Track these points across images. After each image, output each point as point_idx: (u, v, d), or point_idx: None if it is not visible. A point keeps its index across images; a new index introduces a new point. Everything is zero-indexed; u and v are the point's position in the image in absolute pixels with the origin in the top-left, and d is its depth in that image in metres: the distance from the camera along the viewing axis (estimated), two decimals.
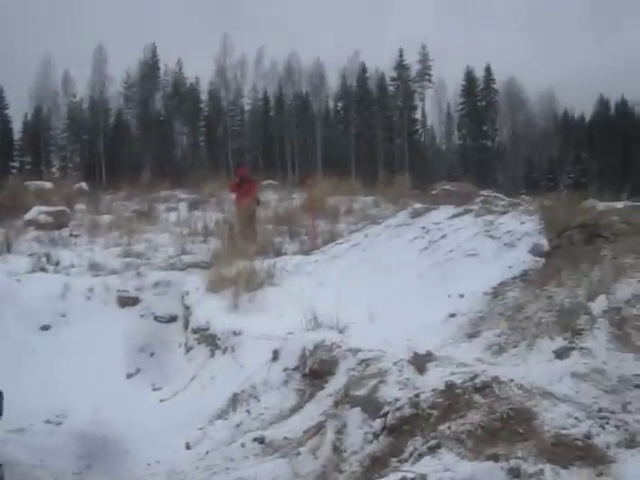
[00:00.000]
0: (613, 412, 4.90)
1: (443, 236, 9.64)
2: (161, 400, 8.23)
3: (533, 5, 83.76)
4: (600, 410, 4.92)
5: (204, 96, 68.70)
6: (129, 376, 9.05)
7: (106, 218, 17.60)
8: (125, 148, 61.92)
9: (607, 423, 4.67)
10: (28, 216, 16.33)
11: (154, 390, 8.64)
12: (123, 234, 15.02)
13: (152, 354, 9.42)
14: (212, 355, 8.51)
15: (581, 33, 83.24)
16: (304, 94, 68.36)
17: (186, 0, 78.00)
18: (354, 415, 5.67)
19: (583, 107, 68.24)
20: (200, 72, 66.72)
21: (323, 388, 6.47)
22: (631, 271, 7.02)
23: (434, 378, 5.61)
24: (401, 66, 68.99)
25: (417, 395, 5.38)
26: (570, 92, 68.60)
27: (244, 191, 14.76)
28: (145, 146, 62.44)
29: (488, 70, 68.37)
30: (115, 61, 65.72)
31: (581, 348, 6.19)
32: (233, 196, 15.77)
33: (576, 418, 4.73)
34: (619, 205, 9.81)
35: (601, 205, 9.78)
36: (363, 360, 6.38)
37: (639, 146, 60.90)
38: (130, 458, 6.41)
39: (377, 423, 5.39)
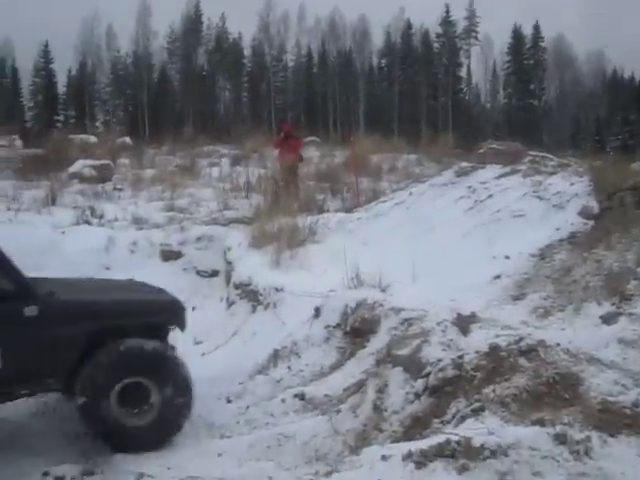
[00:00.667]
0: None
1: (490, 196, 9.47)
2: (202, 354, 8.29)
3: None
4: None
5: (247, 52, 68.39)
6: None
7: (149, 172, 17.70)
8: (168, 103, 62.17)
9: None
10: (72, 169, 16.50)
11: (195, 344, 8.69)
12: (166, 188, 15.08)
13: (194, 308, 9.43)
14: (254, 311, 8.54)
15: None
16: (347, 51, 67.56)
17: None
18: (396, 374, 5.64)
19: (634, 67, 66.30)
20: (243, 27, 66.32)
21: (364, 347, 6.45)
22: None
23: (478, 340, 5.53)
24: (447, 22, 67.61)
25: (460, 357, 5.31)
26: (620, 51, 66.75)
27: (288, 147, 14.68)
28: (188, 101, 62.53)
29: (536, 28, 66.70)
30: (159, 15, 65.39)
31: (630, 314, 6.07)
32: (276, 152, 15.70)
33: (623, 385, 4.63)
34: None
35: None
36: (405, 319, 6.33)
37: None
38: None
39: (419, 383, 5.35)
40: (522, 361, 5.02)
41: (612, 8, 64.27)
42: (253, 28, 66.12)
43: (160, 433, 5.74)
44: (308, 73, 67.84)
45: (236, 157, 21.14)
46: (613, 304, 6.30)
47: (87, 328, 5.65)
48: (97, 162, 17.14)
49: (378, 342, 6.27)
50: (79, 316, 5.66)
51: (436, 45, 68.40)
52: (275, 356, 7.00)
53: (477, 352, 5.29)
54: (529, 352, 5.11)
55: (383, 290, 7.37)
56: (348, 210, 12.13)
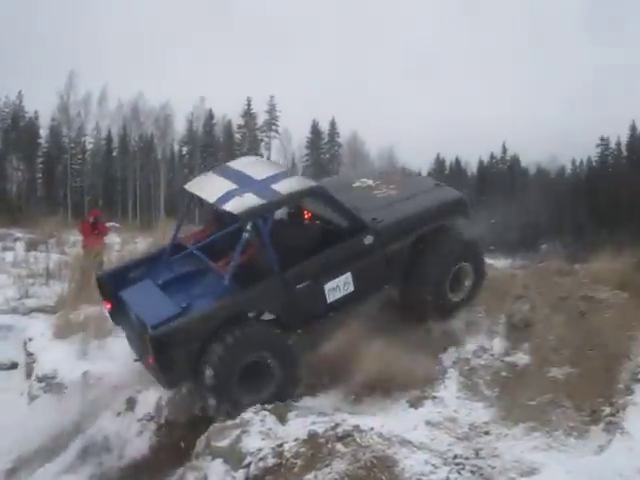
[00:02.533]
0: (467, 458, 5.19)
1: None
2: None
3: (373, 64, 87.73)
4: (455, 457, 5.20)
5: (44, 132, 66.04)
6: None
7: None
8: None
9: (463, 469, 4.95)
10: None
11: None
12: None
13: None
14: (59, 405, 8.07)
15: (419, 94, 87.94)
16: (149, 136, 67.41)
17: (31, 31, 74.77)
18: (216, 466, 5.61)
19: (420, 165, 71.72)
20: (41, 106, 64.07)
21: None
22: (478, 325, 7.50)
23: (296, 428, 5.69)
24: (249, 114, 69.82)
25: (280, 445, 5.43)
26: (408, 150, 71.91)
27: (96, 233, 14.27)
28: None
29: (333, 124, 70.61)
30: None
31: (433, 397, 6.52)
32: (81, 238, 15.18)
33: (433, 465, 4.98)
34: None
35: None
36: None
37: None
38: None
39: (240, 474, 5.38)
40: (339, 446, 5.23)
41: (401, 107, 69.53)
42: (52, 107, 64.13)
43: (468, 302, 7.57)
44: (108, 157, 66.68)
45: (32, 241, 20.10)
46: (418, 389, 6.72)
47: (410, 238, 7.21)
48: None
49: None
50: (403, 231, 7.18)
51: (238, 136, 70.17)
52: (85, 452, 6.71)
53: (296, 440, 5.44)
54: (346, 437, 5.33)
55: None
56: None
